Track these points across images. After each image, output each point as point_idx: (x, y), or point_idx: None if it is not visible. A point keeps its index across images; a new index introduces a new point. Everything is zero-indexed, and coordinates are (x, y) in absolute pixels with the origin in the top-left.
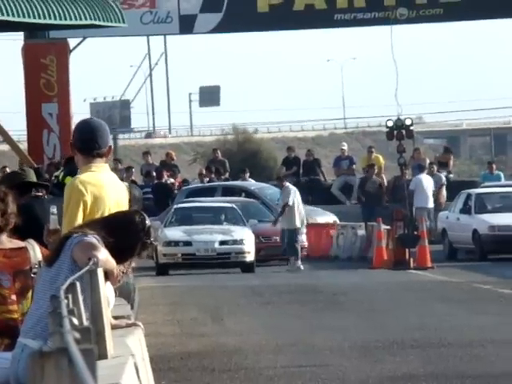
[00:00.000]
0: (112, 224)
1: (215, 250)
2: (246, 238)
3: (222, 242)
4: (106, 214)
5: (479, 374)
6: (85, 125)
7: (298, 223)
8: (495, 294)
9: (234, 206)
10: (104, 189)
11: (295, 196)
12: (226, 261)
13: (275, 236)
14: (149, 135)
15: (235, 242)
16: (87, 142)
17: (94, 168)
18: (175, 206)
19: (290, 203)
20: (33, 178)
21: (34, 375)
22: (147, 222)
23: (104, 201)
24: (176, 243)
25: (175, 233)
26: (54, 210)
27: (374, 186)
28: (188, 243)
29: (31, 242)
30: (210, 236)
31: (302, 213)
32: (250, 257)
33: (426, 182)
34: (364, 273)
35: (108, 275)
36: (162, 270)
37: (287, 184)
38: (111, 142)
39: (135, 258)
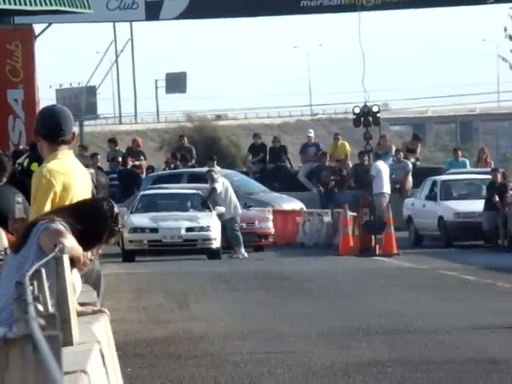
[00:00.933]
0: (80, 211)
1: (181, 237)
2: (212, 225)
3: (189, 229)
4: (74, 201)
5: (444, 360)
6: (49, 112)
7: (237, 211)
8: (460, 280)
9: (201, 192)
10: (72, 176)
11: (225, 185)
12: (192, 247)
13: (241, 223)
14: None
15: (201, 228)
16: (52, 130)
17: (60, 155)
18: (141, 193)
19: (218, 189)
20: None
21: None
22: (115, 209)
23: (72, 188)
24: (142, 230)
25: (141, 219)
26: (19, 198)
27: (328, 174)
28: (154, 230)
29: None
30: (176, 223)
31: (235, 200)
32: (216, 243)
33: (384, 168)
34: (330, 259)
35: (74, 262)
36: (128, 256)
37: (216, 176)
38: (75, 129)
39: (102, 244)
